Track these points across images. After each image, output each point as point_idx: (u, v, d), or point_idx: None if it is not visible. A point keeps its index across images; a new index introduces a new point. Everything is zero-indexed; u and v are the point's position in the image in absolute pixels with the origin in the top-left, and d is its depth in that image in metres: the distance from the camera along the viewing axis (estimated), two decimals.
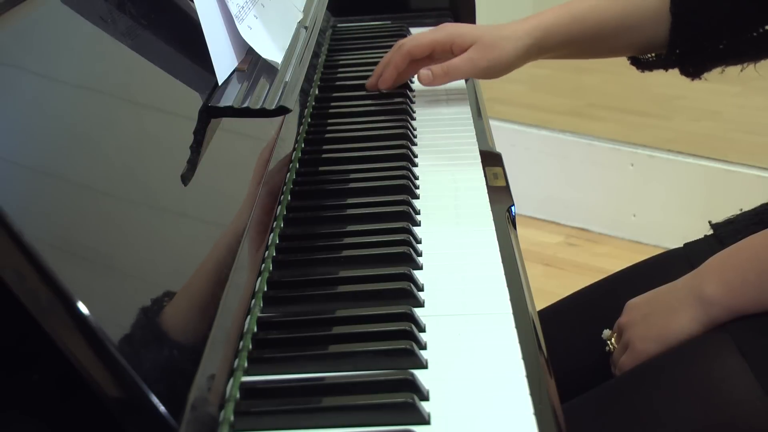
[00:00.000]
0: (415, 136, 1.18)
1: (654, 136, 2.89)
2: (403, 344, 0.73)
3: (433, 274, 0.86)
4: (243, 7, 1.02)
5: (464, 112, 1.27)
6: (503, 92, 3.08)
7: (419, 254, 0.89)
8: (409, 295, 0.81)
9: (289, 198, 1.00)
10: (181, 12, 1.00)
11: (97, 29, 0.84)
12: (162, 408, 0.58)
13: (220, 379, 0.68)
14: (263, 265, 0.85)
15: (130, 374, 0.58)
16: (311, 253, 0.89)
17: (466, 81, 1.35)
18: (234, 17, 0.99)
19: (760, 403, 0.89)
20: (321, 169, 1.08)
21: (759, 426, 0.89)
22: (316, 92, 1.31)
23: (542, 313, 1.16)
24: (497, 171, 1.09)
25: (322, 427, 0.67)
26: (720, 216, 1.15)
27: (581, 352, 1.11)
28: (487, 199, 1.01)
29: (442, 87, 1.28)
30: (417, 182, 1.05)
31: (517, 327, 0.77)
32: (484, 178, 1.07)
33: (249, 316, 0.77)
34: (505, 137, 2.77)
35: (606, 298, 1.15)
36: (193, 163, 0.82)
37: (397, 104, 1.25)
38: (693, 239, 1.16)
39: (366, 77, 1.31)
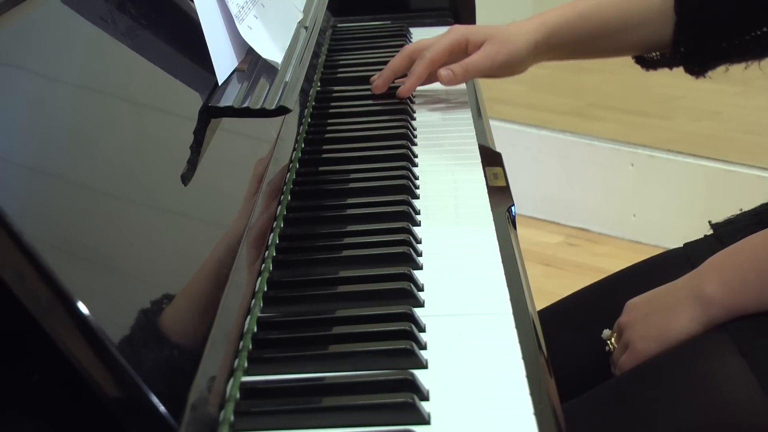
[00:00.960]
0: (415, 136, 1.18)
1: (654, 136, 2.89)
2: (403, 344, 0.73)
3: (433, 274, 0.86)
4: (243, 7, 1.02)
5: (464, 112, 1.27)
6: (503, 92, 3.08)
7: (419, 254, 0.89)
8: (409, 295, 0.81)
9: (289, 198, 1.00)
10: (181, 12, 1.00)
11: (97, 29, 0.84)
12: (162, 408, 0.58)
13: (221, 379, 0.68)
14: (263, 265, 0.85)
15: (130, 374, 0.58)
16: (311, 253, 0.89)
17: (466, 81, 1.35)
18: (234, 17, 0.99)
19: (760, 403, 0.89)
20: (321, 169, 1.08)
21: (759, 426, 0.89)
22: (316, 92, 1.31)
23: (542, 313, 1.16)
24: (497, 171, 1.09)
25: (322, 427, 0.67)
26: (720, 216, 1.15)
27: (581, 352, 1.11)
28: (487, 199, 1.01)
29: (442, 87, 1.28)
30: (417, 182, 1.05)
31: (517, 327, 0.77)
32: (484, 178, 1.07)
33: (249, 316, 0.77)
34: (505, 137, 2.77)
35: (606, 298, 1.15)
36: (193, 163, 0.82)
37: (397, 104, 1.25)
38: (693, 239, 1.16)
39: (366, 77, 1.30)
